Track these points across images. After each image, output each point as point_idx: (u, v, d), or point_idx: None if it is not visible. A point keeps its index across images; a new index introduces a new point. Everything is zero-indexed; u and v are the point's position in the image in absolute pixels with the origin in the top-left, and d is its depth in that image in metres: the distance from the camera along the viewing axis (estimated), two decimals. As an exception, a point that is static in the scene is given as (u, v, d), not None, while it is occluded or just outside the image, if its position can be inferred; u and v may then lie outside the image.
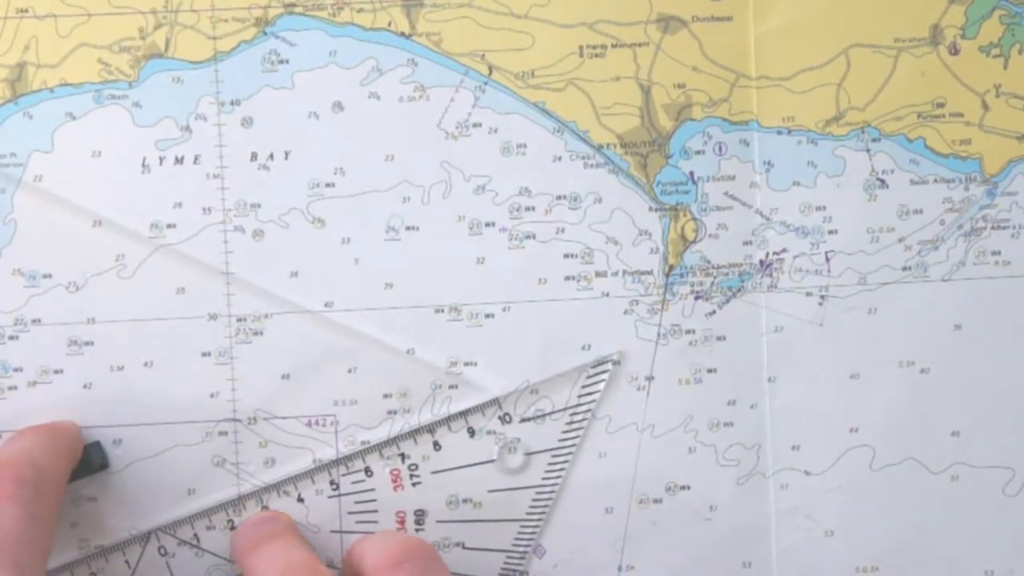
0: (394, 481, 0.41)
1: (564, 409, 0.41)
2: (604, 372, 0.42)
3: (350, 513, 0.41)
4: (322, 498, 0.41)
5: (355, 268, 0.41)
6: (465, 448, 0.41)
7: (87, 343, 0.41)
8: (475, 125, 0.41)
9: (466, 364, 0.42)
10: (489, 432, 0.41)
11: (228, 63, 0.41)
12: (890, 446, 0.42)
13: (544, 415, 0.41)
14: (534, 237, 0.42)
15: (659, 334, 0.42)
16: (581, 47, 0.41)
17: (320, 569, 0.36)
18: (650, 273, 0.42)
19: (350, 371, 0.41)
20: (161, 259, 0.41)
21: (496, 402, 0.41)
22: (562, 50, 0.41)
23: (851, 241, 0.42)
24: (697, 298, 0.42)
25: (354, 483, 0.41)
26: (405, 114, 0.41)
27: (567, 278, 0.42)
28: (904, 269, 0.42)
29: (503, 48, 0.41)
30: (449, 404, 0.41)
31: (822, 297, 0.42)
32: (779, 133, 0.42)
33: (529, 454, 0.42)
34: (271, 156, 0.41)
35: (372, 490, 0.41)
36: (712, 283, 0.42)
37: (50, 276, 0.41)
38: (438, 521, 0.41)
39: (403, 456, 0.41)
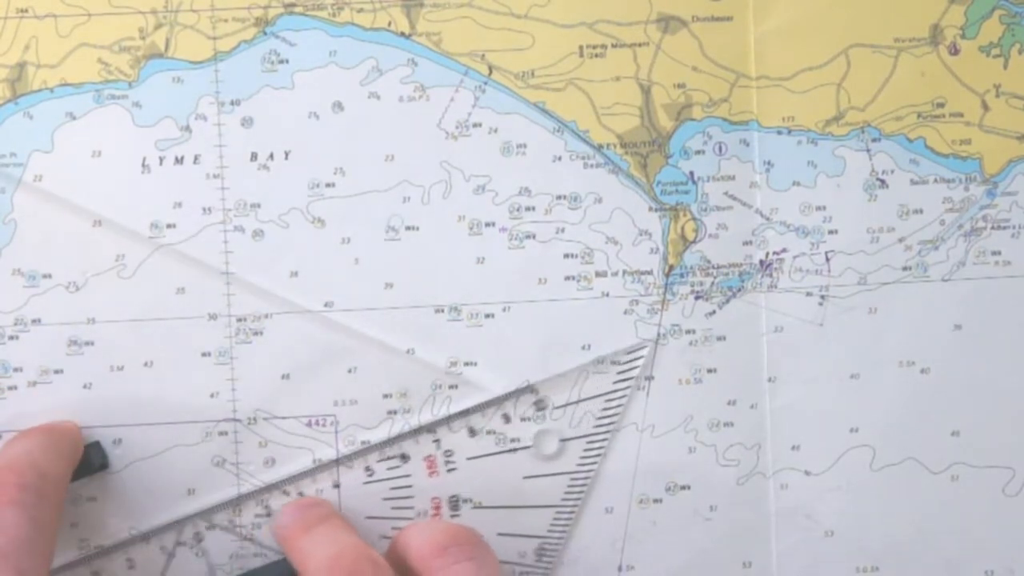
0: (429, 467, 0.41)
1: (599, 396, 0.42)
2: (639, 357, 0.42)
3: (385, 499, 0.41)
4: (357, 484, 0.41)
5: (355, 268, 0.41)
6: (501, 434, 0.41)
7: (87, 343, 0.41)
8: (475, 125, 0.41)
9: (466, 364, 0.42)
10: (525, 419, 0.41)
11: (228, 63, 0.41)
12: (890, 446, 0.42)
13: (575, 403, 0.41)
14: (534, 237, 0.42)
15: (659, 334, 0.42)
16: (581, 47, 0.41)
17: (370, 553, 0.37)
18: (650, 273, 0.42)
19: (350, 371, 0.41)
20: (161, 259, 0.41)
21: (532, 388, 0.41)
22: (562, 50, 0.41)
23: (851, 241, 0.42)
24: (697, 298, 0.42)
25: (389, 469, 0.41)
26: (405, 114, 0.41)
27: (567, 278, 0.42)
28: (904, 269, 0.42)
29: (503, 48, 0.41)
30: (449, 404, 0.41)
31: (822, 297, 0.42)
32: (779, 133, 0.42)
33: (564, 440, 0.42)
34: (271, 156, 0.41)
35: (408, 476, 0.41)
36: (712, 283, 0.42)
37: (50, 276, 0.41)
38: (473, 507, 0.41)
39: (438, 442, 0.41)
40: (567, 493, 0.42)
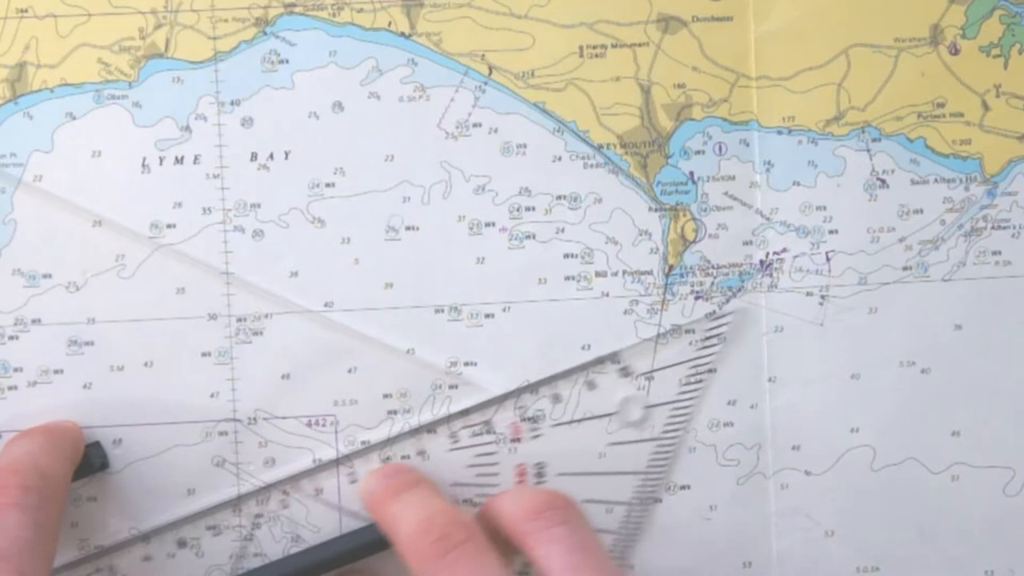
0: (515, 434, 0.41)
1: (684, 362, 0.41)
2: (724, 325, 0.42)
3: (470, 466, 0.41)
4: (442, 451, 0.41)
5: (355, 268, 0.41)
6: (585, 401, 0.41)
7: (87, 343, 0.41)
8: (475, 125, 0.41)
9: (466, 364, 0.42)
10: (609, 385, 0.41)
11: (228, 63, 0.41)
12: (890, 446, 0.42)
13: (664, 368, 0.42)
14: (534, 237, 0.42)
15: (659, 334, 0.42)
16: (581, 47, 0.41)
17: (461, 517, 0.37)
18: (650, 273, 0.42)
19: (350, 371, 0.41)
20: (161, 259, 0.41)
21: (615, 356, 0.41)
22: (562, 50, 0.41)
23: (851, 241, 0.42)
24: (697, 298, 0.42)
25: (474, 436, 0.41)
26: (405, 114, 0.41)
27: (567, 278, 0.42)
28: (904, 269, 0.42)
29: (503, 48, 0.41)
30: (449, 404, 0.41)
31: (822, 297, 0.42)
32: (779, 133, 0.42)
33: (649, 407, 0.42)
34: (271, 156, 0.41)
35: (492, 443, 0.41)
36: (712, 283, 0.42)
37: (50, 276, 0.41)
38: (559, 474, 0.41)
39: (523, 409, 0.41)
40: (652, 460, 0.42)
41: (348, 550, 0.40)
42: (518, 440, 0.41)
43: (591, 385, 0.41)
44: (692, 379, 0.42)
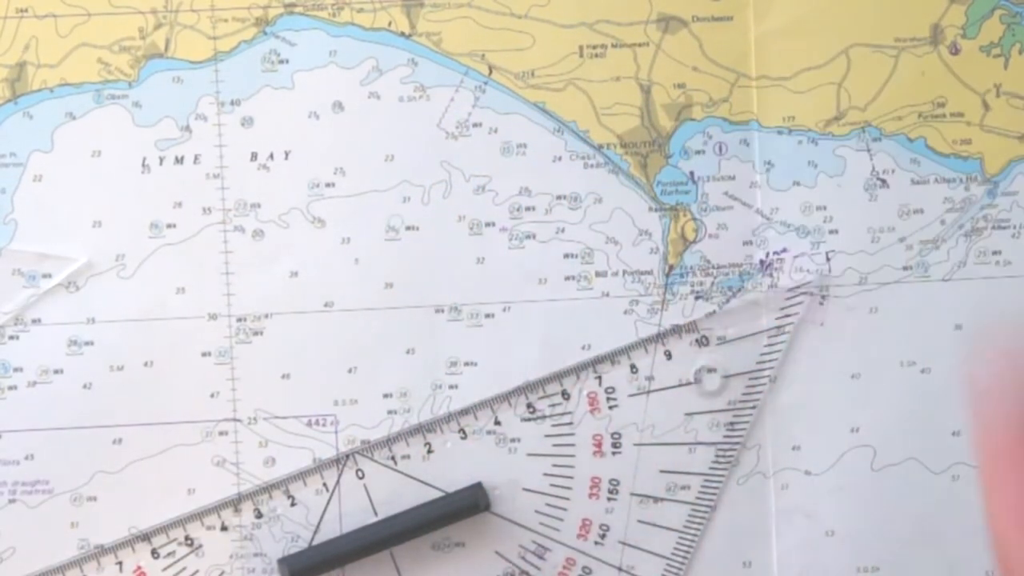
0: (591, 404, 0.41)
1: (761, 332, 0.42)
2: (802, 295, 0.42)
3: (547, 436, 0.41)
4: (517, 421, 0.41)
5: (355, 268, 0.41)
6: (662, 371, 0.41)
7: (87, 343, 0.41)
8: (475, 125, 0.41)
9: (466, 364, 0.42)
10: (685, 356, 0.42)
11: (228, 63, 0.41)
12: (891, 446, 0.42)
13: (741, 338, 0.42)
14: (534, 237, 0.42)
15: (659, 334, 0.42)
16: (581, 47, 0.41)
17: None
18: (650, 273, 0.42)
19: (350, 371, 0.41)
20: (161, 259, 0.41)
21: (694, 326, 0.41)
22: (562, 50, 0.41)
23: (851, 241, 0.42)
24: (697, 298, 0.42)
25: (551, 406, 0.41)
26: (405, 114, 0.41)
27: (567, 278, 0.42)
28: (905, 269, 0.42)
29: (503, 48, 0.41)
30: (449, 404, 0.41)
31: (822, 297, 0.42)
32: (779, 133, 0.42)
33: (727, 377, 0.41)
34: (271, 156, 0.41)
35: (569, 413, 0.41)
36: (712, 283, 0.42)
37: (50, 276, 0.41)
38: (635, 444, 0.41)
39: (600, 379, 0.41)
40: (729, 430, 0.42)
41: (447, 512, 0.41)
42: (595, 410, 0.41)
43: (668, 355, 0.41)
44: (770, 349, 0.42)
